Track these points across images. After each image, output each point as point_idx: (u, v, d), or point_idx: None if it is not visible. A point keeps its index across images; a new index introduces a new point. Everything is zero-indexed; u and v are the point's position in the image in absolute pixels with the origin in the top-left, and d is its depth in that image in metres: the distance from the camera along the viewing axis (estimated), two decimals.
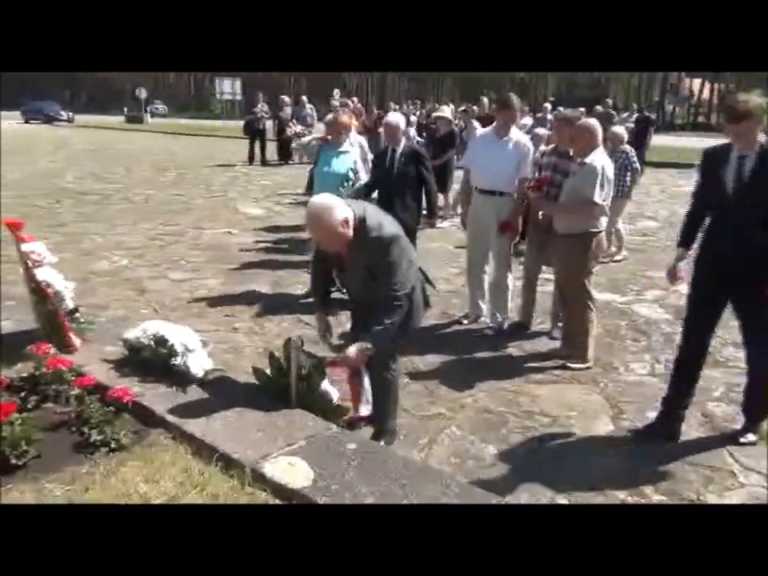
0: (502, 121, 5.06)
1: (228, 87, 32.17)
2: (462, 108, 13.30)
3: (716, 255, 3.44)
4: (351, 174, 5.67)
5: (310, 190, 7.46)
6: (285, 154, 16.87)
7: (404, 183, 5.30)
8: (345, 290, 3.47)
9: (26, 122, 40.99)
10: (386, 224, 3.01)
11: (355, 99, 16.51)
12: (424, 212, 5.77)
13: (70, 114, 43.28)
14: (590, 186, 4.31)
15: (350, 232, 2.92)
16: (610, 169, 4.47)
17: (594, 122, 4.60)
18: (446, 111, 11.11)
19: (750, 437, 3.59)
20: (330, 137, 5.98)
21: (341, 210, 2.90)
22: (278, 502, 2.47)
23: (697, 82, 53.01)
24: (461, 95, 53.10)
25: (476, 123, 10.40)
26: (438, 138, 10.18)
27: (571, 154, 4.79)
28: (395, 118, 5.79)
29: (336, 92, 18.13)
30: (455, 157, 10.09)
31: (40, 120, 41.11)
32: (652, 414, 3.89)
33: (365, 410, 3.52)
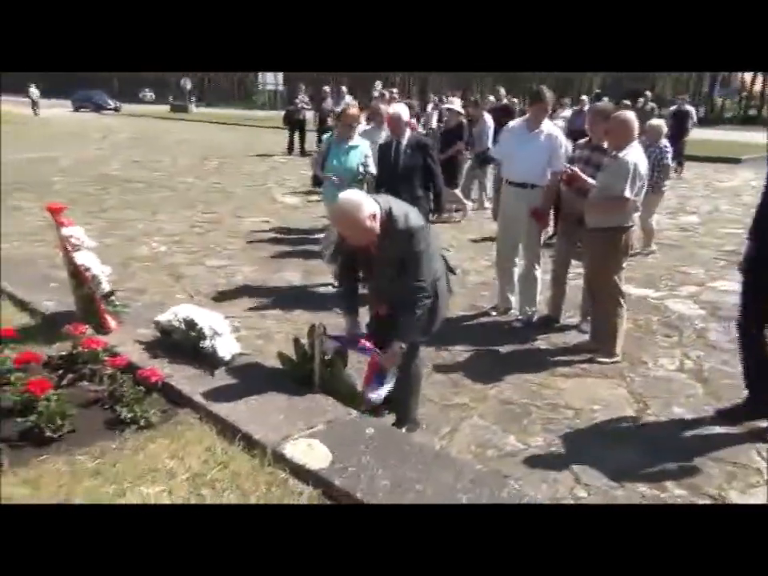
0: (533, 113, 5.04)
1: (271, 78, 32.47)
2: (473, 99, 13.08)
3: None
4: (362, 169, 5.61)
5: (317, 185, 7.35)
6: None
7: (411, 175, 5.26)
8: (369, 287, 3.50)
9: (76, 110, 42.22)
10: (411, 216, 3.05)
11: (395, 90, 16.50)
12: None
13: (118, 103, 44.35)
14: (622, 181, 4.26)
15: (378, 226, 2.96)
16: (643, 164, 4.40)
17: (630, 115, 4.53)
18: (456, 103, 10.88)
19: None
20: (339, 130, 5.88)
21: (368, 204, 2.94)
22: (296, 481, 2.56)
23: (749, 74, 51.37)
24: (505, 88, 52.48)
25: (486, 115, 10.29)
26: (446, 131, 10.07)
27: (605, 147, 4.74)
28: (397, 109, 5.67)
29: (378, 83, 18.13)
30: (466, 150, 9.97)
31: (89, 108, 42.22)
32: (678, 410, 3.89)
33: (373, 393, 3.50)
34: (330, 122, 13.07)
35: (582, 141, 5.21)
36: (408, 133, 5.49)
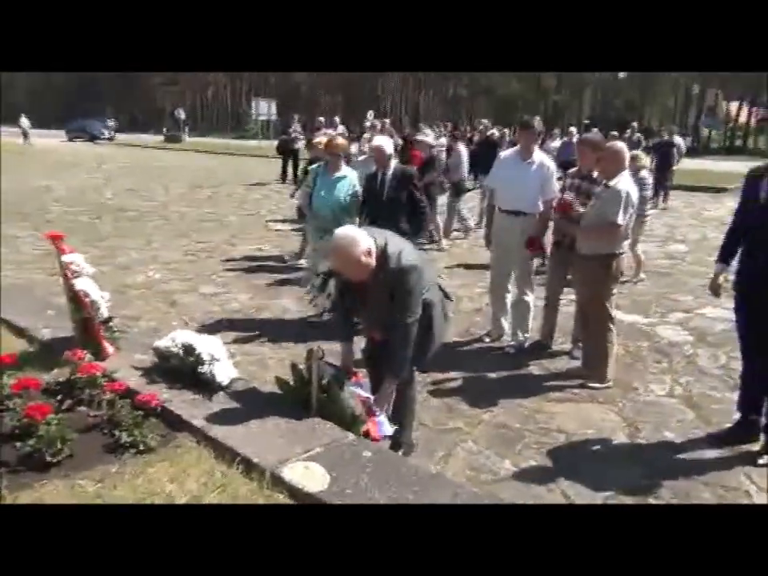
0: (523, 142, 5.18)
1: (264, 108, 32.79)
2: (448, 130, 13.29)
3: (748, 272, 3.56)
4: (351, 201, 5.53)
5: (303, 217, 6.92)
6: None
7: (396, 206, 5.23)
8: (363, 314, 3.57)
9: (70, 140, 42.38)
10: (404, 254, 3.10)
11: (387, 121, 16.75)
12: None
13: (112, 132, 44.49)
14: (615, 208, 4.37)
15: (373, 262, 3.03)
16: (634, 193, 4.53)
17: (622, 145, 4.67)
18: (428, 136, 10.90)
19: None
20: (327, 160, 5.76)
21: (364, 240, 3.00)
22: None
23: (734, 105, 52.36)
24: (495, 118, 53.27)
25: (461, 146, 10.52)
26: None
27: (594, 176, 4.87)
28: (381, 141, 5.66)
29: (370, 113, 18.43)
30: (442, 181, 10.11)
31: (83, 138, 42.43)
32: (668, 434, 3.94)
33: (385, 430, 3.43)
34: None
35: (572, 170, 5.35)
36: (393, 164, 5.49)
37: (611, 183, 4.45)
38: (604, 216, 4.43)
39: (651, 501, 3.24)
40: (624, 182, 4.46)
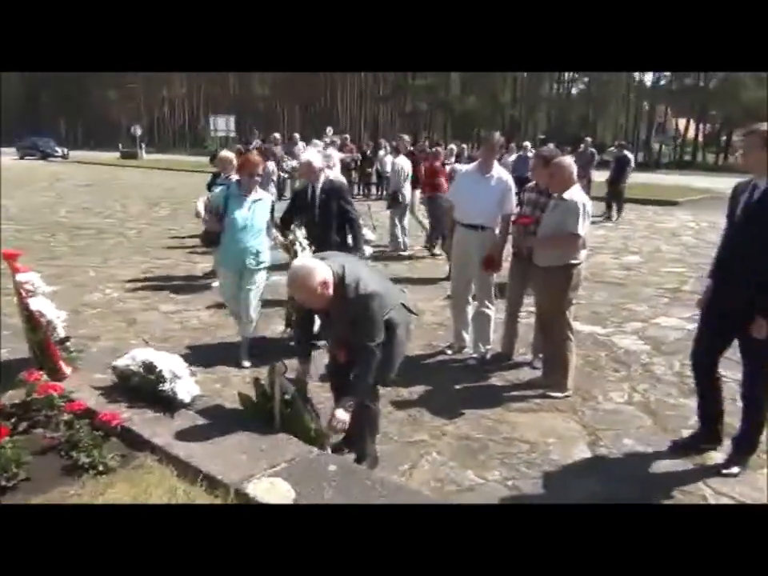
0: (483, 156, 5.27)
1: (222, 124, 32.54)
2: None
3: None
4: (269, 226, 5.18)
5: (210, 245, 5.78)
6: (279, 189, 17.08)
7: (327, 219, 5.25)
8: (326, 333, 3.59)
9: (22, 157, 41.19)
10: (363, 281, 3.12)
11: (347, 136, 16.83)
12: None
13: (65, 150, 43.45)
14: (573, 219, 4.47)
15: (330, 291, 3.06)
16: (589, 204, 4.65)
17: (568, 159, 4.80)
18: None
19: (734, 469, 3.60)
20: (238, 179, 5.29)
21: (320, 271, 3.02)
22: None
23: (682, 121, 54.12)
24: (453, 132, 53.94)
25: (401, 159, 10.71)
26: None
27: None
28: (308, 155, 5.65)
29: (329, 129, 18.45)
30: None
31: (35, 156, 41.37)
32: (628, 441, 4.02)
33: None
34: (284, 166, 13.22)
35: (529, 184, 5.45)
36: (323, 178, 5.43)
37: (565, 196, 4.55)
38: (563, 227, 4.52)
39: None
40: (577, 194, 4.57)
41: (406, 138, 13.33)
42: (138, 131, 44.40)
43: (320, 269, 3.03)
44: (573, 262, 4.62)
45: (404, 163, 10.50)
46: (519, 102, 57.43)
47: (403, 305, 3.47)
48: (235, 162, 7.14)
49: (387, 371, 3.41)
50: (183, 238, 11.42)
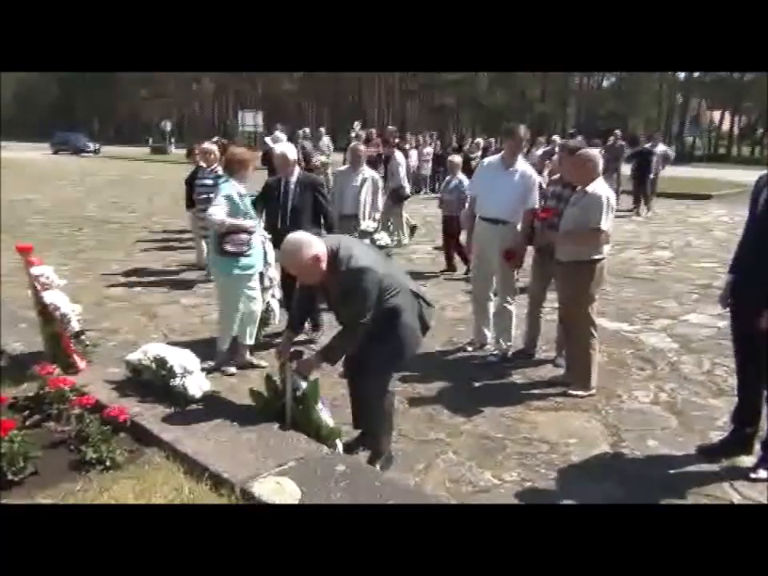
0: (507, 150, 5.14)
1: (250, 120, 32.69)
2: (354, 134, 13.36)
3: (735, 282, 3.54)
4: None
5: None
6: None
7: (300, 213, 5.15)
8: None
9: (55, 152, 42.05)
10: (356, 256, 3.08)
11: (372, 130, 16.74)
12: None
13: (97, 145, 44.27)
14: (597, 213, 4.33)
15: (323, 266, 3.04)
16: (613, 197, 4.52)
17: (593, 152, 4.65)
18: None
19: (763, 473, 3.45)
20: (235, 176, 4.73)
21: (314, 246, 3.02)
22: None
23: (717, 114, 52.93)
24: (482, 127, 53.51)
25: (398, 153, 10.57)
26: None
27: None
28: (282, 147, 5.52)
29: (356, 124, 18.37)
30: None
31: (68, 151, 42.13)
32: (652, 442, 3.88)
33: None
34: (313, 161, 13.18)
35: (554, 177, 5.31)
36: (297, 171, 5.34)
37: (588, 189, 4.41)
38: (586, 222, 4.39)
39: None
40: (601, 188, 4.43)
41: (391, 127, 13.26)
42: (168, 126, 44.83)
43: (312, 243, 3.03)
44: (596, 257, 4.48)
45: (401, 159, 10.41)
46: (548, 97, 56.67)
47: (414, 293, 3.36)
48: (218, 153, 7.32)
49: (397, 358, 3.35)
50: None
